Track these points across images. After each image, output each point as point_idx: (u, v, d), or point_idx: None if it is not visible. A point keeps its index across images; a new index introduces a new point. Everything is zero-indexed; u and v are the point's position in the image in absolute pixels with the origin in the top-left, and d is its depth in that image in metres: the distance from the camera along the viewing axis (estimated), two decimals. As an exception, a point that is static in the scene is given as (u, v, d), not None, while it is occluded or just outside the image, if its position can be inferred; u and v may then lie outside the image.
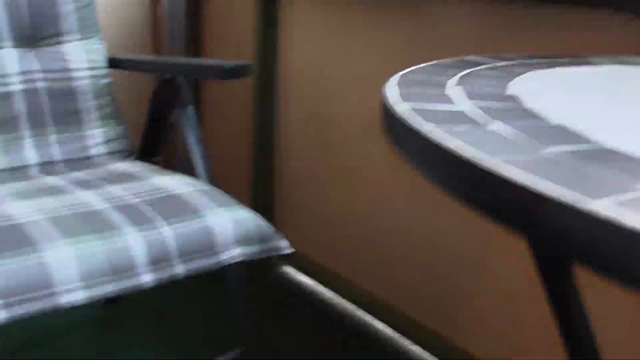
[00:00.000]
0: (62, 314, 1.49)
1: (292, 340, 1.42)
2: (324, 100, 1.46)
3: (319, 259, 1.57)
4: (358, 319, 1.48)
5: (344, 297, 1.52)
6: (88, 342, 1.39)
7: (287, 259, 1.69)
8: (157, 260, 0.73)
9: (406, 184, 1.30)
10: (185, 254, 0.75)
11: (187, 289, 1.64)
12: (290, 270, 1.67)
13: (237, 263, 0.99)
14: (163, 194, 0.84)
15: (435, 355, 1.31)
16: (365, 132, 1.37)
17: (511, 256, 1.13)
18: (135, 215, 0.77)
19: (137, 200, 0.82)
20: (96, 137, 1.12)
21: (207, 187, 0.88)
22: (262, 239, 0.79)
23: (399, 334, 1.39)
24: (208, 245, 0.76)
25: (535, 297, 1.11)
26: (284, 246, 0.80)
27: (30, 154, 1.06)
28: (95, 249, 0.70)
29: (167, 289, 1.64)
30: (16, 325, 1.44)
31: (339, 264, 1.52)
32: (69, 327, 1.44)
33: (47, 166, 1.06)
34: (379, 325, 1.44)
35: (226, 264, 0.76)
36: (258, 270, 1.74)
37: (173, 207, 0.79)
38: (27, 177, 1.00)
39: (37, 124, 1.08)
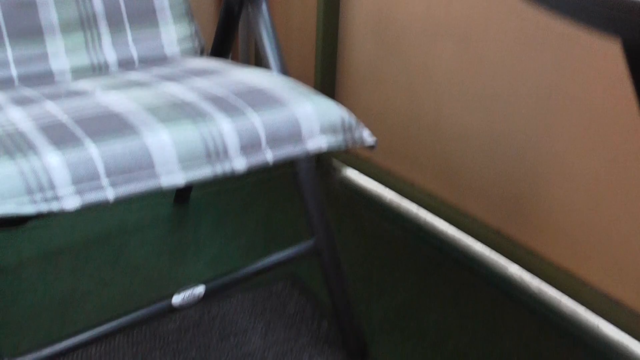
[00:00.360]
0: (133, 213, 1.56)
1: (357, 241, 1.47)
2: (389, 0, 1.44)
3: (381, 161, 1.59)
4: (421, 219, 1.51)
5: (407, 198, 1.55)
6: (159, 239, 1.47)
7: (350, 161, 1.72)
8: (248, 146, 0.76)
9: (471, 84, 1.29)
10: (274, 141, 0.77)
11: (249, 190, 1.70)
12: (353, 173, 1.70)
13: (308, 158, 1.02)
14: (246, 86, 0.86)
15: (501, 253, 1.34)
16: (431, 34, 1.36)
17: (581, 153, 1.12)
18: (223, 104, 0.80)
19: (222, 90, 0.84)
20: (171, 35, 1.13)
21: (286, 79, 0.90)
22: (346, 129, 0.81)
23: (462, 233, 1.42)
24: (295, 134, 0.78)
25: (610, 195, 1.11)
26: (368, 137, 0.82)
27: (109, 52, 1.09)
28: (190, 134, 0.74)
29: (231, 190, 1.69)
30: (91, 222, 1.52)
31: (401, 166, 1.54)
32: (141, 225, 1.52)
33: (126, 64, 1.09)
34: (443, 224, 1.47)
35: (312, 152, 0.79)
36: (320, 173, 1.78)
37: (258, 98, 0.82)
38: (109, 74, 1.04)
39: (114, 23, 1.10)
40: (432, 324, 1.19)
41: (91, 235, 1.47)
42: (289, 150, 0.78)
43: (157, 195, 1.64)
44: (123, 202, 1.60)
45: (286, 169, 1.79)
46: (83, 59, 1.08)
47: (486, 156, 1.31)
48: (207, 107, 0.79)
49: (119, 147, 0.70)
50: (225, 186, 1.70)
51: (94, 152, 0.69)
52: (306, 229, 1.06)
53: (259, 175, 1.75)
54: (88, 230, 1.49)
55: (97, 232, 1.48)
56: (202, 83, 0.89)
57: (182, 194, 1.60)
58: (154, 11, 1.13)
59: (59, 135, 0.71)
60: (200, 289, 0.95)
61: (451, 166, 1.40)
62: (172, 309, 0.94)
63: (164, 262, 1.37)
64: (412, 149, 1.49)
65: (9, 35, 1.02)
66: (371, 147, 0.82)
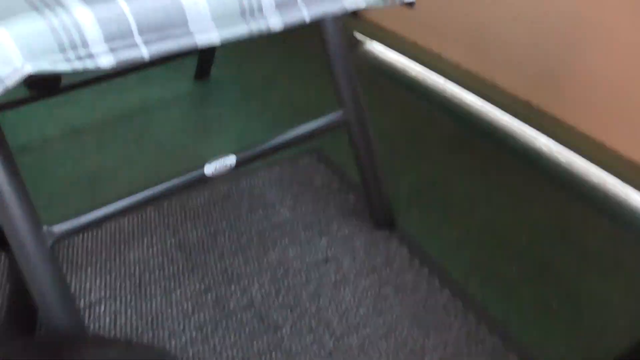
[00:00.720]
0: (154, 91, 1.54)
1: (382, 115, 1.45)
2: None
3: (406, 33, 1.54)
4: (448, 92, 1.49)
5: (433, 71, 1.51)
6: (182, 116, 1.46)
7: (373, 34, 1.67)
8: (283, 3, 0.72)
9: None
10: (310, -3, 0.74)
11: (271, 66, 1.66)
12: (376, 46, 1.65)
13: (337, 29, 0.98)
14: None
15: (530, 125, 1.32)
16: None
17: (623, 23, 1.08)
18: (255, -41, 0.75)
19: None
20: None
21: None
22: (384, -16, 0.77)
23: (490, 105, 1.40)
24: (331, -10, 0.75)
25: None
26: (406, -7, 0.78)
27: None
28: (223, -11, 0.70)
29: (252, 67, 1.66)
30: (112, 100, 1.51)
31: (427, 38, 1.49)
32: (163, 103, 1.50)
33: None
34: (470, 97, 1.44)
35: (349, 9, 0.76)
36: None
37: (291, -47, 0.77)
38: None
39: None
40: (459, 196, 1.19)
41: (113, 113, 1.46)
42: (326, 7, 0.74)
43: (177, 72, 1.61)
44: (143, 80, 1.57)
45: (310, 40, 1.74)
46: None
47: (519, 25, 1.26)
48: (238, -39, 0.74)
49: (150, 3, 0.67)
50: (246, 63, 1.67)
51: (125, 7, 0.66)
52: (331, 106, 1.03)
53: (282, 52, 1.71)
54: (110, 109, 1.48)
55: (119, 110, 1.47)
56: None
57: (203, 70, 1.57)
58: None
59: (86, -8, 0.68)
60: (231, 159, 0.95)
61: (480, 36, 1.36)
62: (204, 178, 0.94)
63: (189, 139, 1.36)
64: (438, 19, 1.44)
65: None
66: (410, 4, 0.78)
